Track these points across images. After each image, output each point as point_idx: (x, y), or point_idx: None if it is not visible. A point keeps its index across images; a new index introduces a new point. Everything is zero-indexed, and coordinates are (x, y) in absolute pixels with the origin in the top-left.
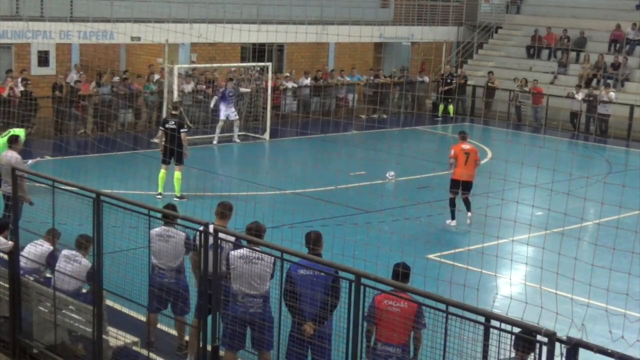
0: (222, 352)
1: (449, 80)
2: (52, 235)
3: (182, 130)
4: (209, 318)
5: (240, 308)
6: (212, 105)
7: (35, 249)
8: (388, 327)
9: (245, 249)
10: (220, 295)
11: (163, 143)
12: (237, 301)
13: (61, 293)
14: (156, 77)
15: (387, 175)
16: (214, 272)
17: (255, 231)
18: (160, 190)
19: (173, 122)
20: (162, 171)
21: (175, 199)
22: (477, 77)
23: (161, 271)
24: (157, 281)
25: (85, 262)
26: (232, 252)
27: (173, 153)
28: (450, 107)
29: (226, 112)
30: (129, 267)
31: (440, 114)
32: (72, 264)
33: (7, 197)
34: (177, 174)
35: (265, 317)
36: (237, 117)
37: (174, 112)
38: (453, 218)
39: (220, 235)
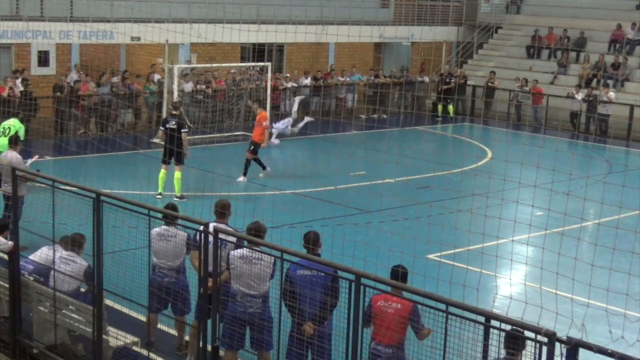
0: (222, 352)
1: (448, 80)
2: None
3: (182, 131)
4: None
5: (239, 308)
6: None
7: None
8: (383, 328)
9: (245, 248)
10: (220, 296)
11: (163, 143)
12: (236, 301)
13: (60, 293)
14: (157, 77)
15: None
16: (214, 271)
17: (256, 231)
18: (160, 190)
19: (173, 122)
20: (162, 171)
21: (175, 199)
22: (477, 77)
23: (161, 271)
24: (157, 281)
25: (81, 261)
26: (232, 252)
27: (173, 153)
28: (450, 107)
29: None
30: (129, 267)
31: (440, 114)
32: (70, 264)
33: (7, 197)
34: (177, 174)
35: (264, 317)
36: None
37: (174, 112)
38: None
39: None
